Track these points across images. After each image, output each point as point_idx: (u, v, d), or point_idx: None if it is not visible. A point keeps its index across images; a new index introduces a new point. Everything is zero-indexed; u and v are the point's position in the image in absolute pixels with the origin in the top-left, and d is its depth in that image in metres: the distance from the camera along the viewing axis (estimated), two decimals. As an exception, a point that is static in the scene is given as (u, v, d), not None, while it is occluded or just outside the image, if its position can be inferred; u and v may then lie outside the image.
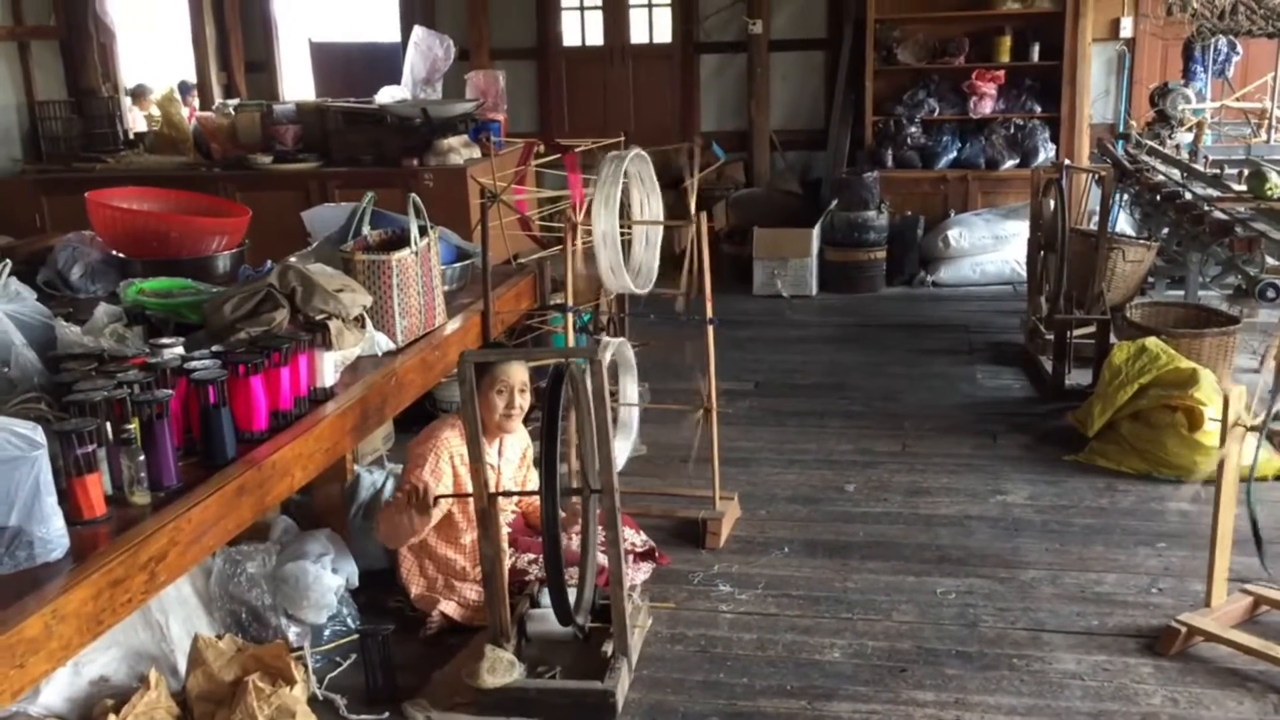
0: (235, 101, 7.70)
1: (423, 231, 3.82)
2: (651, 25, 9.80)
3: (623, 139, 5.04)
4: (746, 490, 4.70)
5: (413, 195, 3.85)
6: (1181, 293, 6.78)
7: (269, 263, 3.91)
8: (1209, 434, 4.60)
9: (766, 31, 9.18)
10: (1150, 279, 6.75)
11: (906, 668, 3.38)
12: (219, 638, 3.19)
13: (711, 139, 9.49)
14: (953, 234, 8.39)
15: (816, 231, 8.34)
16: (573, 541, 3.58)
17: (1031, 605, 3.72)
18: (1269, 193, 4.81)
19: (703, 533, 4.25)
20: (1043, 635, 3.53)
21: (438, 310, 3.99)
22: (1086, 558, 4.06)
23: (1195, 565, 3.79)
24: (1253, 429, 3.34)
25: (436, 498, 3.42)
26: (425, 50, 6.80)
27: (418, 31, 6.93)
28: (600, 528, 3.34)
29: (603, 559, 3.37)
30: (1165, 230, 6.34)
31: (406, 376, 3.69)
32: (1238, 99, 6.84)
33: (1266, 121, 6.21)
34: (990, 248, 8.41)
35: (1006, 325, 7.15)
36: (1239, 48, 7.41)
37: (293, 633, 3.47)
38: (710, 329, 4.28)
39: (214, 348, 3.13)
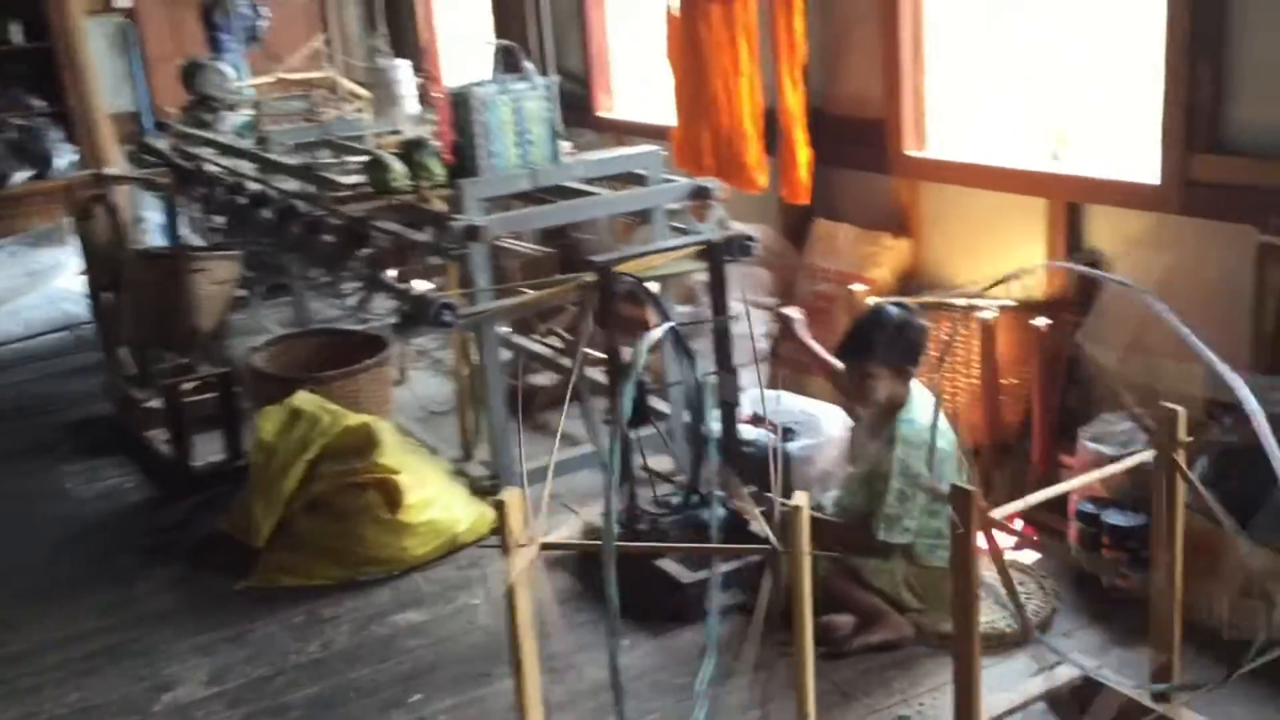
0: None
1: None
2: None
3: None
4: None
5: None
6: (292, 311, 5.71)
7: None
8: (414, 507, 3.54)
9: None
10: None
11: None
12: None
13: None
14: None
15: None
16: None
17: None
18: (394, 184, 3.81)
19: None
20: None
21: None
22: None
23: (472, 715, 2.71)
24: (542, 545, 2.27)
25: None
26: None
27: None
28: None
29: None
30: (253, 238, 5.11)
31: None
32: (294, 70, 5.79)
33: (339, 93, 5.27)
34: (28, 288, 6.49)
35: (86, 392, 5.36)
36: (265, 10, 6.39)
37: None
38: None
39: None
